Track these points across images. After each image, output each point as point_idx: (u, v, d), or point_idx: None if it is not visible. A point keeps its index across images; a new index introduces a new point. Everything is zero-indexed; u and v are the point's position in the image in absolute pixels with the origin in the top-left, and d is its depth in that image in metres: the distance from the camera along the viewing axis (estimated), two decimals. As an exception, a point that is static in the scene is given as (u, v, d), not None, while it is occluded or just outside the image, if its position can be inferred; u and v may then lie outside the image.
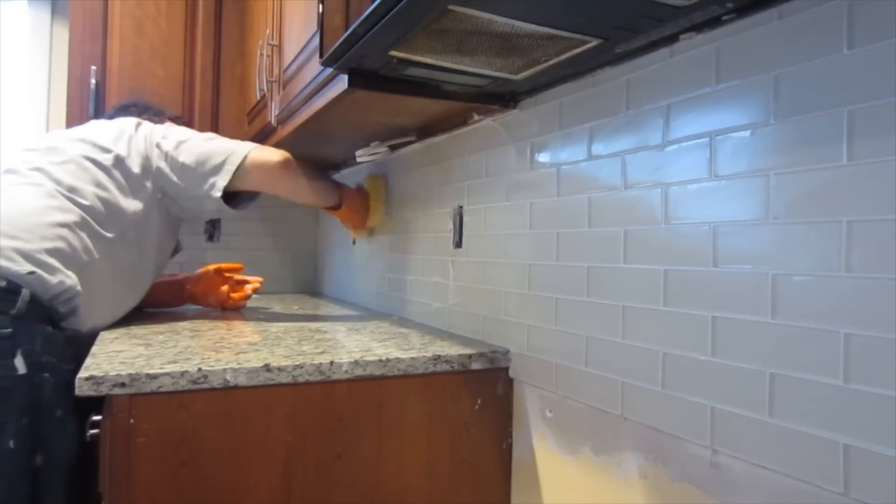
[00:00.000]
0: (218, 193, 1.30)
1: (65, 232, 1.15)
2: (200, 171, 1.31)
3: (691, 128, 0.73)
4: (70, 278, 1.12)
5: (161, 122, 1.57)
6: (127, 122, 1.36)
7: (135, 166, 1.29)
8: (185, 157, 1.31)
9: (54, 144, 1.28)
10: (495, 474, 1.06)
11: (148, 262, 1.36)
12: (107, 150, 1.28)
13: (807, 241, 0.60)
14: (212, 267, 1.69)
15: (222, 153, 1.32)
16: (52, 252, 1.11)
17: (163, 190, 1.32)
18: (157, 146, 1.32)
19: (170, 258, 1.50)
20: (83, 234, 1.19)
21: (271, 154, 1.34)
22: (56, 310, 1.12)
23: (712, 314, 0.69)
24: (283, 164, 1.34)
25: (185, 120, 1.79)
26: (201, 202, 1.33)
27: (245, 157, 1.32)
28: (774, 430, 0.62)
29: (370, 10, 0.71)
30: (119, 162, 1.27)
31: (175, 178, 1.31)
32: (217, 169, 1.31)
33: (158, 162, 1.31)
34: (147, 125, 1.37)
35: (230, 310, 1.66)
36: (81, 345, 1.15)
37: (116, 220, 1.24)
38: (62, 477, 1.04)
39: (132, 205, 1.27)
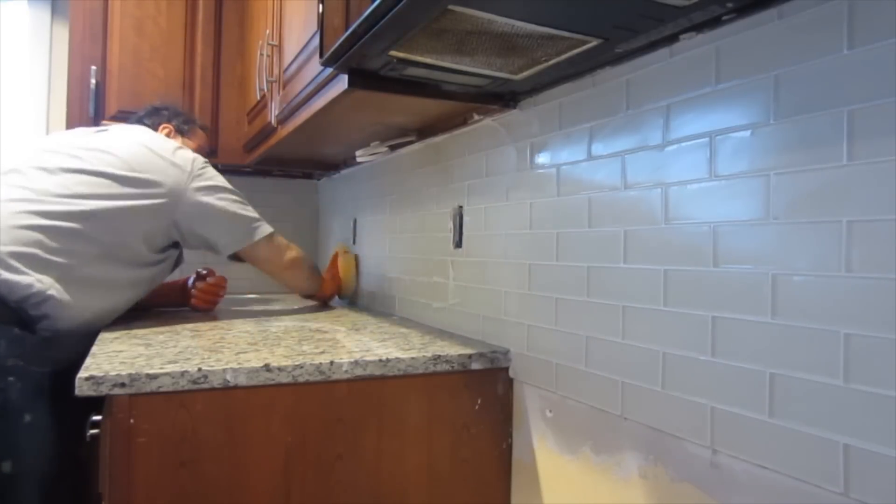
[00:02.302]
0: (227, 253, 1.40)
1: (39, 236, 1.13)
2: (224, 225, 1.36)
3: (691, 128, 0.73)
4: (40, 282, 1.10)
5: (191, 129, 1.62)
6: (163, 146, 1.34)
7: (158, 193, 1.27)
8: (223, 204, 1.35)
9: (77, 153, 1.27)
10: (495, 474, 1.06)
11: (145, 272, 1.34)
12: (133, 170, 1.26)
13: (807, 241, 0.60)
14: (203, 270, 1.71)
15: (251, 221, 1.40)
16: (20, 255, 1.09)
17: (174, 219, 1.31)
18: (196, 186, 1.32)
19: (171, 269, 1.48)
20: (67, 239, 1.16)
21: (284, 252, 1.48)
22: (26, 312, 1.09)
23: (712, 314, 0.69)
24: (290, 268, 1.50)
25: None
26: (205, 244, 1.39)
27: (265, 236, 1.41)
28: (774, 430, 0.62)
29: (370, 10, 0.71)
30: (141, 183, 1.26)
31: (196, 219, 1.32)
32: (239, 232, 1.39)
33: (188, 195, 1.31)
34: (187, 156, 1.36)
35: (202, 310, 1.64)
36: (63, 347, 1.14)
37: (116, 231, 1.22)
38: (38, 484, 1.01)
39: (137, 220, 1.25)
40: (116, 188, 1.24)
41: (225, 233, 1.38)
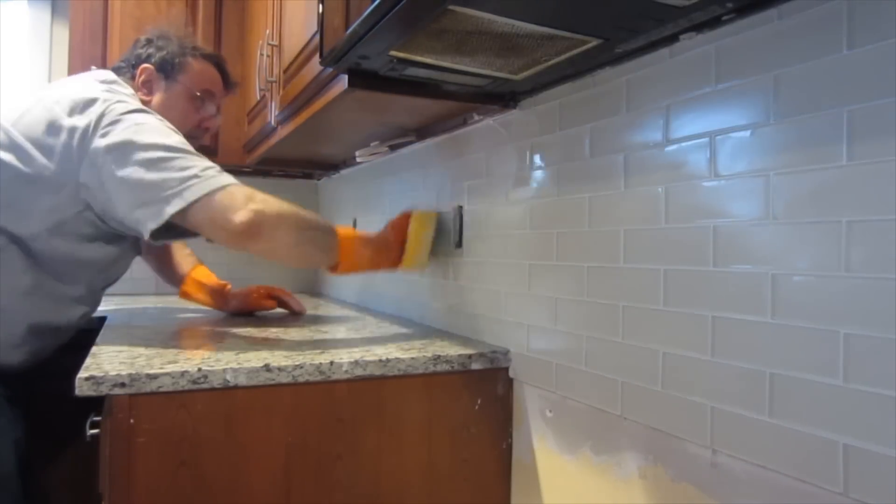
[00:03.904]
0: (146, 234, 1.00)
1: None
2: (132, 198, 1.00)
3: (691, 128, 0.73)
4: None
5: (180, 66, 1.25)
6: (65, 102, 1.05)
7: (48, 165, 1.02)
8: (128, 172, 0.99)
9: None
10: (495, 474, 1.06)
11: (75, 273, 1.13)
12: (12, 146, 1.03)
13: (807, 241, 0.60)
14: (262, 289, 1.57)
15: (167, 186, 0.97)
16: None
17: (85, 203, 1.06)
18: (95, 149, 1.01)
19: (132, 256, 1.26)
20: None
21: (233, 212, 0.97)
22: None
23: (712, 314, 0.69)
24: (247, 233, 0.98)
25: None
26: (128, 227, 1.05)
27: (193, 203, 0.96)
28: (774, 430, 0.62)
29: (370, 10, 0.71)
30: (24, 159, 1.03)
31: (100, 196, 1.03)
32: (152, 202, 0.98)
33: (87, 169, 1.01)
34: (100, 106, 1.03)
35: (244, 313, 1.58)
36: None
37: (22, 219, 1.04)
38: None
39: (23, 217, 1.04)
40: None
41: (132, 206, 0.99)
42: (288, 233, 1.02)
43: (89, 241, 1.10)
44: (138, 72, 1.23)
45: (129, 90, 1.17)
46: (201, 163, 1.01)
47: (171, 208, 0.97)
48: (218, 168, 1.03)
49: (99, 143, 1.00)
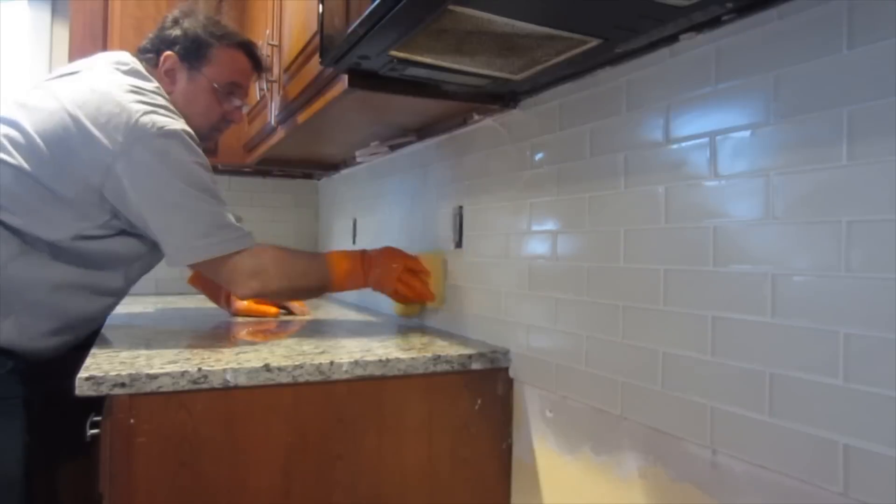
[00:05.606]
0: (171, 264, 1.10)
1: None
2: (155, 227, 1.05)
3: (691, 128, 0.73)
4: None
5: (208, 56, 1.20)
6: (89, 106, 1.01)
7: (71, 178, 1.01)
8: (153, 205, 1.03)
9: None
10: (495, 474, 1.06)
11: (111, 264, 1.13)
12: (34, 153, 1.01)
13: (807, 241, 0.60)
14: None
15: (190, 234, 1.05)
16: None
17: (111, 212, 1.06)
18: (120, 171, 1.00)
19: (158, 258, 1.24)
20: None
21: (236, 286, 1.11)
22: None
23: (712, 314, 0.69)
24: (255, 292, 1.13)
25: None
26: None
27: (208, 260, 1.07)
28: (774, 430, 0.62)
29: (370, 10, 0.71)
30: (45, 168, 1.01)
31: (125, 210, 1.05)
32: (172, 244, 1.06)
33: (112, 188, 1.01)
34: (125, 118, 1.00)
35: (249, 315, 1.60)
36: (20, 355, 1.06)
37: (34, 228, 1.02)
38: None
39: (45, 224, 1.02)
40: (23, 177, 1.01)
41: (155, 231, 1.05)
42: (281, 295, 1.34)
43: (119, 236, 1.10)
44: (162, 59, 1.18)
45: (153, 83, 1.13)
46: (220, 218, 1.08)
47: (188, 259, 1.07)
48: (236, 225, 1.10)
49: (124, 165, 1.00)
